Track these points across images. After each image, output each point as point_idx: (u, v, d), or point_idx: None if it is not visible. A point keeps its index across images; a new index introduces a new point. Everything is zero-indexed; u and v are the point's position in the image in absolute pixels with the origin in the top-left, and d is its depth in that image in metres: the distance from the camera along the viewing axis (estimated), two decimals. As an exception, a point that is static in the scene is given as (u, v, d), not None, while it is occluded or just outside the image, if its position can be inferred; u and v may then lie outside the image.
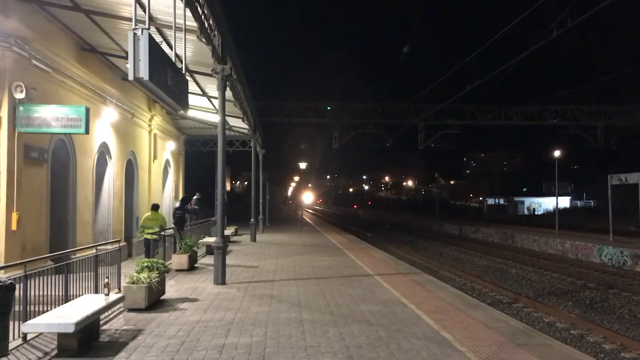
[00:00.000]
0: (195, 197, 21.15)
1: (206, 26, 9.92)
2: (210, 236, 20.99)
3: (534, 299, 14.57)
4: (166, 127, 24.61)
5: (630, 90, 36.74)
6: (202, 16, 9.49)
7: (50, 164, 13.16)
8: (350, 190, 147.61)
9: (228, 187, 36.26)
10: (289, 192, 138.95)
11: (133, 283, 8.87)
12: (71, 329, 6.03)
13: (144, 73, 5.65)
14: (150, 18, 11.60)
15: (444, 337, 7.31)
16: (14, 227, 11.08)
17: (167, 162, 25.73)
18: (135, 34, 5.63)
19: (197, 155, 33.93)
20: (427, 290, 11.24)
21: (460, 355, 6.46)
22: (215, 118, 23.48)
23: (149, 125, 21.66)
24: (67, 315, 6.32)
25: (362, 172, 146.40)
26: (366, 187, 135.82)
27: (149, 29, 5.88)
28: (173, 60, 8.00)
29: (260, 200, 28.77)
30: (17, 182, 11.20)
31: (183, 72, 8.11)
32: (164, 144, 24.52)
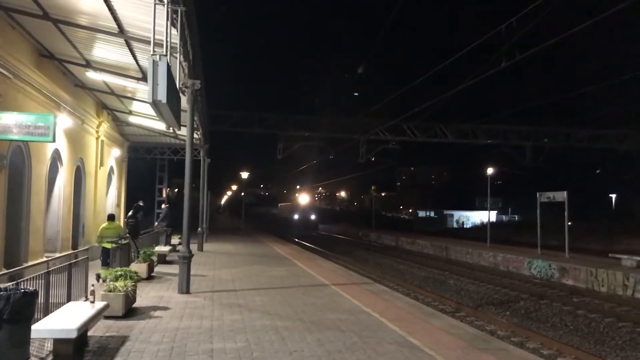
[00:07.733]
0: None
1: (186, 44, 10.28)
2: (158, 245, 20.91)
3: (475, 308, 15.59)
4: (112, 133, 24.39)
5: (556, 114, 39.54)
6: (185, 34, 9.86)
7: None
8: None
9: (164, 194, 35.87)
10: (223, 201, 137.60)
11: (110, 291, 9.05)
12: (74, 335, 6.28)
13: (162, 96, 5.99)
14: (122, 31, 11.88)
15: (412, 342, 7.99)
16: (-26, 234, 10.96)
17: (112, 168, 25.48)
18: (154, 60, 5.99)
19: (135, 162, 33.36)
20: (384, 300, 11.96)
21: (431, 359, 7.15)
22: (160, 125, 23.41)
23: (97, 132, 21.49)
24: (66, 322, 6.54)
25: (297, 183, 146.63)
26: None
27: (166, 55, 6.26)
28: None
29: (205, 210, 28.76)
30: (-20, 189, 11.11)
31: (178, 90, 8.46)
32: (109, 151, 24.30)
